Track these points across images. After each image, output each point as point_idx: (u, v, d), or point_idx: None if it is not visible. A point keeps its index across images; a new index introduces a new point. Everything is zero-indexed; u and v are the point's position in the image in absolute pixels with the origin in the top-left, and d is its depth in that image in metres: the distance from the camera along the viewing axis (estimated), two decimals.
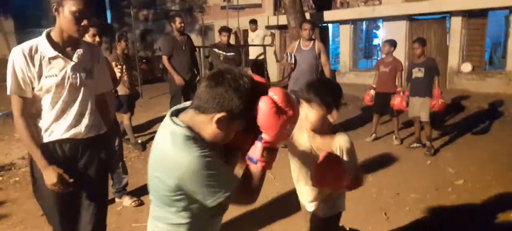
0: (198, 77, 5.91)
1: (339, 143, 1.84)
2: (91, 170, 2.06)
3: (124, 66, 4.59)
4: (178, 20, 5.50)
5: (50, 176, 1.86)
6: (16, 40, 14.25)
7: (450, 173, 4.25)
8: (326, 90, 1.79)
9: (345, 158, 1.83)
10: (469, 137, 5.62)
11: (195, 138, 1.19)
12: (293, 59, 4.94)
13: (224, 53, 5.86)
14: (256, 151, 1.25)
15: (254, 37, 8.90)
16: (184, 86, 5.58)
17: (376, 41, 13.23)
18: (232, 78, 1.16)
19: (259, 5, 12.57)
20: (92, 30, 3.14)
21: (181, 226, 1.31)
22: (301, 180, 2.03)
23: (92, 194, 2.08)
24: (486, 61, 9.61)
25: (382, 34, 11.56)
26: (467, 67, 9.20)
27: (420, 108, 4.90)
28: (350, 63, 11.45)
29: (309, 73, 4.97)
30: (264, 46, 8.54)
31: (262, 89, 1.21)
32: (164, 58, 5.51)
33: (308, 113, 1.79)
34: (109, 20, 17.49)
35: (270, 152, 1.26)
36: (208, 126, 1.20)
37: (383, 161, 4.69)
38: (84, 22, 1.84)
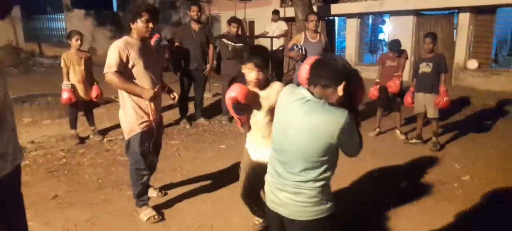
0: (208, 69, 5.89)
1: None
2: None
3: None
4: (192, 8, 5.63)
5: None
6: (22, 27, 14.27)
7: (456, 168, 4.29)
8: (259, 55, 2.40)
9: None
10: (475, 134, 5.64)
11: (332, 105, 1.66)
12: (304, 50, 4.88)
13: (233, 44, 5.88)
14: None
15: (274, 29, 8.73)
16: (190, 76, 5.67)
17: (381, 36, 13.18)
18: (337, 55, 1.76)
19: None
20: (145, 15, 2.85)
21: (327, 178, 1.72)
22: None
23: None
24: (492, 58, 9.58)
25: (388, 28, 11.52)
26: (473, 64, 9.19)
27: (427, 104, 4.90)
28: (356, 57, 11.44)
29: None
30: (270, 37, 8.51)
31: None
32: (176, 44, 5.65)
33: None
34: (115, 9, 17.50)
35: None
36: (334, 95, 1.65)
37: (388, 156, 4.72)
38: None
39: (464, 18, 9.20)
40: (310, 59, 1.85)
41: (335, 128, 1.58)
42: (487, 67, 9.20)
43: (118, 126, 5.37)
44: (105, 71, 2.82)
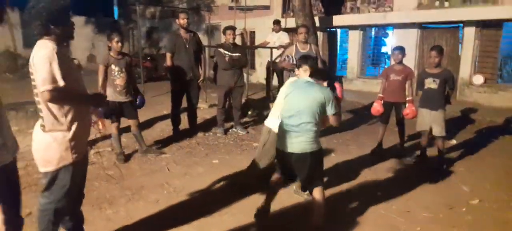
0: (202, 78, 5.70)
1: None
2: None
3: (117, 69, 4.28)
4: (181, 15, 5.39)
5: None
6: (21, 33, 14.14)
7: (464, 191, 3.99)
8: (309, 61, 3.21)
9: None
10: (482, 152, 5.35)
11: None
12: (295, 60, 4.96)
13: (229, 53, 5.65)
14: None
15: (276, 39, 8.55)
16: (185, 86, 5.43)
17: (384, 49, 12.96)
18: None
19: (267, 7, 12.37)
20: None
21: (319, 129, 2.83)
22: None
23: None
24: (498, 74, 9.30)
25: (391, 41, 11.29)
26: (479, 79, 8.92)
27: (432, 122, 4.57)
28: (357, 70, 11.20)
29: None
30: (270, 48, 8.29)
31: None
32: (168, 56, 5.41)
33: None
34: (116, 17, 17.39)
35: None
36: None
37: (391, 175, 4.44)
38: None
39: (469, 32, 8.96)
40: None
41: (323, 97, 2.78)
42: (493, 83, 8.93)
43: (108, 137, 5.13)
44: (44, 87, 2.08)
